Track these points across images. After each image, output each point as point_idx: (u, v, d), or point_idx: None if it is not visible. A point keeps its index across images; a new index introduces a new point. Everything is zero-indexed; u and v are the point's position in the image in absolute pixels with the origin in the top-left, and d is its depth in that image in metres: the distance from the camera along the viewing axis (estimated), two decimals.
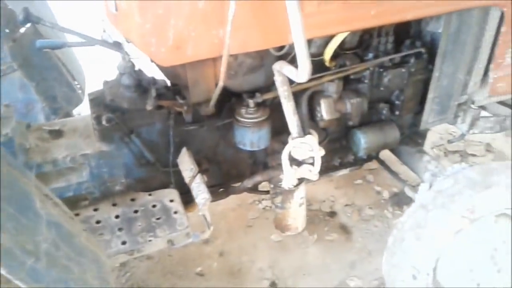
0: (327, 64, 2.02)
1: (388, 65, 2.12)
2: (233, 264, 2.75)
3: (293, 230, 2.38)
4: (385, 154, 2.73)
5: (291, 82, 1.82)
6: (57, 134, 2.03)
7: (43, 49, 1.92)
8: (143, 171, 2.09)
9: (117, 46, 1.84)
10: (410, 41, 2.15)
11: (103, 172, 2.00)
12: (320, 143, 2.04)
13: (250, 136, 2.03)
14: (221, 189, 2.33)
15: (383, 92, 2.19)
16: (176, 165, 2.08)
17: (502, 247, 2.18)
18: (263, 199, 3.16)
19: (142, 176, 2.10)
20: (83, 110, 2.93)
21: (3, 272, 1.05)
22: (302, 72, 1.59)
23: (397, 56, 2.11)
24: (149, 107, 1.89)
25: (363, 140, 2.29)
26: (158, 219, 1.95)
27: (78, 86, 2.68)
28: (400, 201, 3.14)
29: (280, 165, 2.02)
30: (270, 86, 1.97)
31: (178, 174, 2.06)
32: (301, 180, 2.14)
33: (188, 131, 2.07)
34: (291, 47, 1.62)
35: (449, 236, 1.96)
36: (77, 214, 1.94)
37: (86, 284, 1.27)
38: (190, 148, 2.07)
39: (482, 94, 2.24)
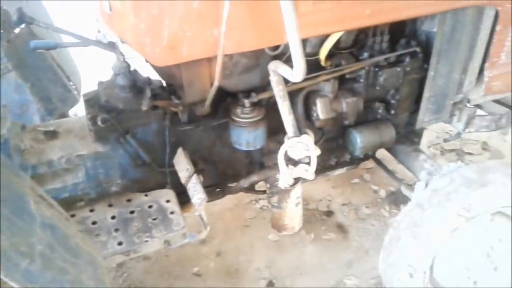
0: (322, 63, 2.02)
1: (384, 65, 2.12)
2: (230, 264, 2.75)
3: (289, 229, 2.38)
4: (382, 153, 2.73)
5: (286, 81, 1.82)
6: (52, 135, 2.02)
7: (37, 49, 1.91)
8: (139, 172, 2.09)
9: (111, 46, 1.84)
10: (405, 40, 2.15)
11: (99, 173, 2.00)
12: (316, 142, 2.04)
13: (246, 136, 2.03)
14: (218, 189, 2.33)
15: (379, 91, 2.19)
16: (172, 165, 2.08)
17: (498, 245, 2.18)
18: (260, 199, 3.16)
19: (138, 177, 2.10)
20: (80, 110, 2.93)
21: None
22: (297, 72, 1.59)
23: (392, 56, 2.11)
24: (144, 107, 1.89)
25: (359, 139, 2.30)
26: (154, 219, 1.95)
27: (74, 86, 2.67)
28: (397, 200, 3.14)
29: (276, 164, 2.02)
30: (265, 85, 1.97)
31: (174, 174, 2.06)
32: (297, 180, 2.15)
33: (184, 131, 2.07)
34: (286, 46, 1.61)
35: (445, 234, 1.97)
36: (73, 215, 1.94)
37: (81, 285, 1.27)
38: (186, 148, 2.07)
39: (477, 93, 2.24)
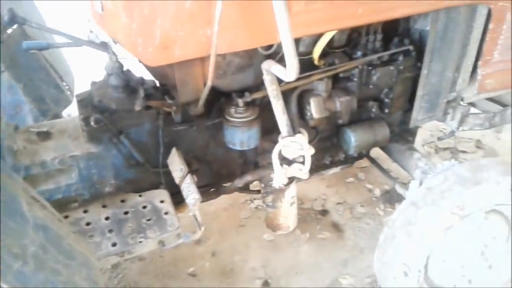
0: (316, 62, 2.02)
1: (377, 63, 2.12)
2: (226, 264, 2.75)
3: (284, 229, 2.38)
4: (376, 152, 2.73)
5: (280, 81, 1.82)
6: (45, 136, 2.01)
7: (29, 50, 1.90)
8: (132, 172, 2.08)
9: (104, 46, 1.83)
10: (399, 39, 2.15)
11: (92, 174, 1.99)
12: (310, 142, 2.05)
13: (240, 136, 2.02)
14: (212, 189, 2.33)
15: (372, 90, 2.19)
16: (166, 165, 2.07)
17: (492, 243, 2.19)
18: (255, 199, 3.16)
19: (131, 177, 2.09)
20: (74, 111, 2.92)
21: None
22: (290, 71, 1.59)
23: (385, 54, 2.11)
24: (137, 107, 1.88)
25: (353, 138, 2.30)
26: (148, 220, 1.94)
27: (67, 87, 2.66)
28: (392, 198, 3.15)
29: (270, 164, 2.02)
30: (259, 85, 1.97)
31: (168, 174, 2.06)
32: (291, 179, 2.15)
33: (178, 131, 2.06)
34: (279, 46, 1.61)
35: (439, 233, 1.97)
36: (66, 216, 1.93)
37: (75, 286, 1.26)
38: (180, 148, 2.06)
39: (471, 91, 2.25)
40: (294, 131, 1.98)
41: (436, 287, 2.21)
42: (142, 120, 2.00)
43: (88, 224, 1.91)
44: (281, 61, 1.66)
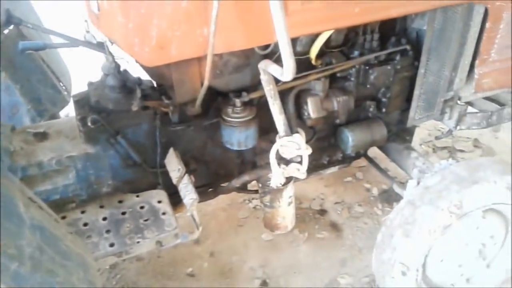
0: (313, 62, 2.02)
1: (374, 63, 2.12)
2: (224, 264, 2.75)
3: (282, 229, 2.38)
4: (374, 152, 2.74)
5: (277, 80, 1.82)
6: (42, 136, 2.01)
7: (26, 51, 1.90)
8: (130, 172, 2.08)
9: (100, 46, 1.83)
10: (396, 38, 2.15)
11: (90, 174, 1.99)
12: (308, 141, 2.05)
13: (237, 136, 2.02)
14: (210, 189, 2.33)
15: (370, 89, 2.19)
16: (163, 165, 2.07)
17: (490, 242, 2.20)
18: (253, 198, 3.16)
19: (129, 178, 2.09)
20: (71, 111, 2.91)
21: None
22: (286, 71, 1.59)
23: (382, 54, 2.12)
24: (134, 107, 1.88)
25: (351, 138, 2.30)
26: (146, 220, 1.94)
27: (64, 87, 2.65)
28: (390, 198, 3.15)
29: (268, 164, 2.02)
30: (256, 85, 1.97)
31: (166, 174, 2.05)
32: (289, 179, 2.15)
33: (175, 131, 2.06)
34: (276, 45, 1.61)
35: (437, 232, 1.97)
36: (64, 217, 1.93)
37: (72, 287, 1.26)
38: (177, 148, 2.06)
39: (468, 90, 2.25)
40: (291, 130, 1.98)
41: (434, 286, 2.21)
42: (139, 121, 1.99)
43: (85, 224, 1.91)
44: (278, 60, 1.66)
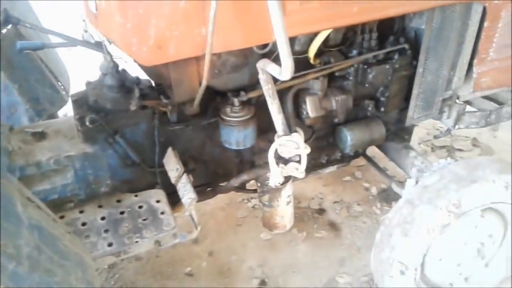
0: (311, 61, 2.02)
1: (372, 62, 2.12)
2: (223, 264, 2.75)
3: (281, 228, 2.38)
4: (373, 151, 2.74)
5: (276, 80, 1.82)
6: (40, 136, 2.00)
7: (24, 50, 1.89)
8: (128, 172, 2.08)
9: (98, 46, 1.83)
10: (394, 37, 2.15)
11: (88, 174, 1.99)
12: (306, 140, 2.05)
13: (236, 135, 2.02)
14: (208, 189, 2.33)
15: (368, 88, 2.19)
16: (162, 165, 2.07)
17: (488, 241, 2.20)
18: (252, 198, 3.16)
19: (127, 177, 2.09)
20: (70, 111, 2.91)
21: None
22: (285, 70, 1.59)
23: (381, 53, 2.12)
24: (133, 107, 1.88)
25: (349, 137, 2.30)
26: (144, 220, 1.94)
27: (62, 87, 2.65)
28: (388, 197, 3.15)
29: (266, 163, 2.02)
30: (255, 84, 1.97)
31: (164, 174, 2.05)
32: (288, 178, 2.15)
33: (173, 130, 2.06)
34: (275, 45, 1.61)
35: (435, 231, 1.98)
36: (62, 217, 1.92)
37: (70, 286, 1.26)
38: (175, 148, 2.06)
39: (466, 89, 2.25)
40: (290, 130, 1.98)
41: (433, 286, 2.21)
42: (138, 120, 1.99)
43: (84, 224, 1.91)
44: (277, 60, 1.66)
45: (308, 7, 1.66)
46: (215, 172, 2.31)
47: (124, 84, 1.94)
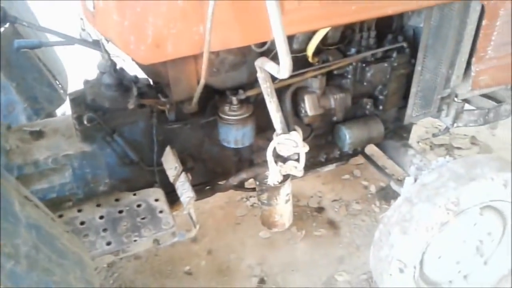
0: (310, 60, 2.02)
1: (371, 60, 2.12)
2: (222, 262, 2.75)
3: (280, 226, 2.38)
4: (371, 149, 2.74)
5: (274, 78, 1.81)
6: (38, 135, 2.00)
7: (21, 49, 1.89)
8: (127, 171, 2.07)
9: (96, 44, 1.82)
10: (392, 35, 2.15)
11: (86, 173, 1.98)
12: (305, 139, 2.04)
13: (234, 133, 2.02)
14: (207, 187, 2.32)
15: (367, 87, 2.19)
16: (160, 164, 2.07)
17: (487, 239, 2.20)
18: (251, 196, 3.15)
19: (126, 176, 2.08)
20: (68, 110, 2.91)
21: None
22: (283, 69, 1.58)
23: (379, 51, 2.12)
24: (131, 106, 1.88)
25: (348, 136, 2.30)
26: (143, 218, 1.93)
27: (60, 85, 2.64)
28: (387, 195, 3.15)
29: (265, 161, 2.02)
30: (253, 82, 1.96)
31: (163, 173, 2.05)
32: (286, 177, 2.14)
33: (172, 129, 2.06)
34: (273, 43, 1.60)
35: (434, 229, 1.98)
36: (60, 216, 1.92)
37: (69, 286, 1.26)
38: (174, 146, 2.06)
39: (465, 87, 2.25)
40: (288, 128, 1.98)
41: (432, 284, 2.21)
42: (136, 119, 1.99)
43: (82, 223, 1.91)
44: (275, 58, 1.65)
45: (306, 5, 1.66)
46: (214, 171, 2.31)
47: (122, 83, 1.94)
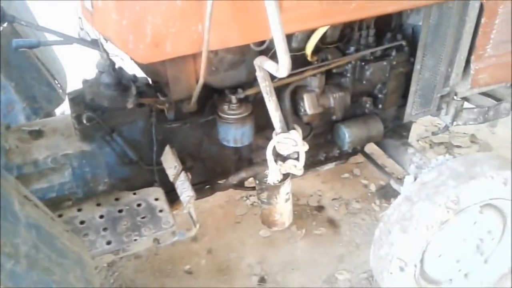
0: (309, 58, 2.01)
1: (370, 59, 2.12)
2: (222, 261, 2.75)
3: (280, 225, 2.38)
4: (371, 148, 2.74)
5: (273, 77, 1.81)
6: (37, 134, 2.00)
7: (20, 48, 1.89)
8: (126, 170, 2.07)
9: (95, 44, 1.82)
10: (391, 34, 2.15)
11: (86, 172, 1.98)
12: (304, 138, 2.04)
13: (234, 132, 2.02)
14: (206, 186, 2.32)
15: (366, 85, 2.19)
16: (160, 163, 2.07)
17: (487, 237, 2.20)
18: (251, 195, 3.15)
19: (125, 175, 2.08)
20: (67, 109, 2.90)
21: None
22: (282, 67, 1.58)
23: (378, 49, 2.11)
24: (130, 105, 1.87)
25: (347, 134, 2.30)
26: (143, 218, 1.93)
27: (59, 85, 2.64)
28: (387, 194, 3.15)
29: (265, 160, 2.02)
30: (252, 81, 1.96)
31: (162, 172, 2.05)
32: (286, 176, 2.14)
33: (171, 128, 2.06)
34: (272, 42, 1.60)
35: (434, 227, 1.98)
36: (60, 215, 1.92)
37: (69, 285, 1.25)
38: (173, 145, 2.06)
39: (464, 85, 2.25)
40: (288, 127, 1.98)
41: (432, 282, 2.21)
42: (135, 118, 1.99)
43: (82, 222, 1.91)
44: (274, 57, 1.65)
45: (305, 3, 1.66)
46: (213, 170, 2.31)
47: (121, 82, 1.94)
